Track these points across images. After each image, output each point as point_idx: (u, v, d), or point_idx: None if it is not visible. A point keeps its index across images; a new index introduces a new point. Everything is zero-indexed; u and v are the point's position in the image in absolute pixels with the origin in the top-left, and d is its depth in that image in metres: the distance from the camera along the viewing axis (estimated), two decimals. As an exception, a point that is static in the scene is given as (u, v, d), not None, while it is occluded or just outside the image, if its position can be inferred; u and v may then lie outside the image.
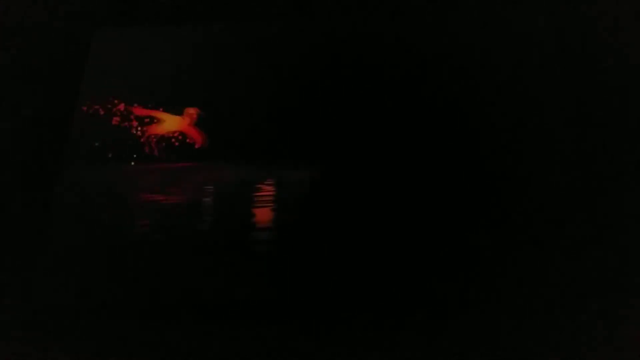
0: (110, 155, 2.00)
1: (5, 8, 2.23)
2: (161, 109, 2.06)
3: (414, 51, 2.04)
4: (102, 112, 2.05)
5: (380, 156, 1.91)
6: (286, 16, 2.18)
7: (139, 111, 2.04)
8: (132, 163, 1.99)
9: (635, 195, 1.77)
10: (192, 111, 2.03)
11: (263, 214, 1.86)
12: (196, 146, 2.01)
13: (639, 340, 1.56)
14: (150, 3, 2.22)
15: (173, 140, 2.02)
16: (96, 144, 2.01)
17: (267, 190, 1.92)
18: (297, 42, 2.12)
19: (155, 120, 2.04)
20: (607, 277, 1.65)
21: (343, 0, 2.18)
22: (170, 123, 2.03)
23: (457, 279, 1.69)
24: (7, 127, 2.03)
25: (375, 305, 1.69)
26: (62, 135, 2.00)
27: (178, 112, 2.05)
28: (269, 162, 1.95)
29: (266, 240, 1.80)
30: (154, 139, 2.01)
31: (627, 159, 1.82)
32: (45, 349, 1.65)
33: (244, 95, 2.05)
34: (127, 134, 2.03)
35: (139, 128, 2.03)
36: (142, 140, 2.02)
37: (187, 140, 2.02)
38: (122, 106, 2.06)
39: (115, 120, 2.04)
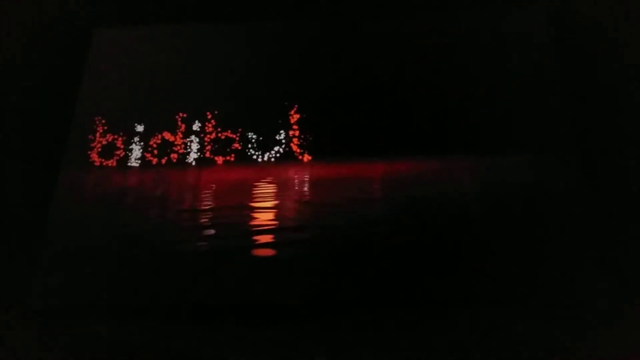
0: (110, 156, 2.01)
1: (5, 8, 2.23)
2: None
3: None
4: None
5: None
6: (287, 16, 2.17)
7: None
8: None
9: (635, 195, 1.77)
10: None
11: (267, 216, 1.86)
12: None
13: (639, 340, 1.56)
14: (150, 3, 2.22)
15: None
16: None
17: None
18: (299, 41, 2.13)
19: None
20: (607, 277, 1.65)
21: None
22: None
23: (457, 278, 1.69)
24: (7, 127, 2.03)
25: (375, 305, 1.69)
26: (63, 136, 2.00)
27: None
28: None
29: (262, 242, 1.80)
30: None
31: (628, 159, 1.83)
32: (46, 349, 1.65)
33: (247, 93, 2.06)
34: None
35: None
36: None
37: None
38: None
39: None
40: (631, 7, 2.05)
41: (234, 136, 2.01)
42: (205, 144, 2.01)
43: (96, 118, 2.05)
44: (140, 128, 2.04)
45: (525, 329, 1.60)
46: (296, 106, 2.02)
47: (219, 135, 2.02)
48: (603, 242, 1.69)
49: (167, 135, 2.02)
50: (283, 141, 1.99)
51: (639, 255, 1.68)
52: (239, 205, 1.88)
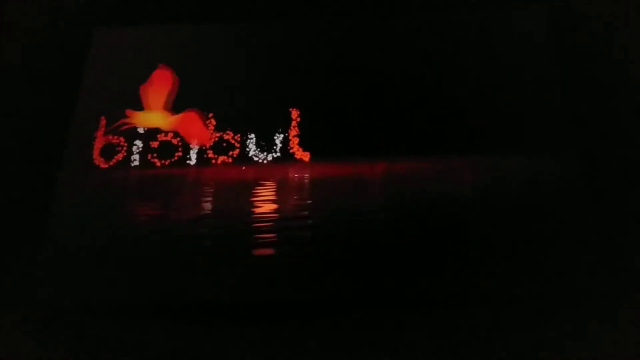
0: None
1: (5, 8, 2.23)
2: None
3: None
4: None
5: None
6: (287, 16, 2.18)
7: None
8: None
9: (635, 195, 1.77)
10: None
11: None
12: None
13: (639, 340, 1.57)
14: (150, 3, 2.22)
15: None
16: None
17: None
18: (299, 41, 2.13)
19: None
20: (607, 276, 1.65)
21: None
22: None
23: (456, 278, 1.69)
24: (7, 127, 2.03)
25: (375, 305, 1.70)
26: (62, 136, 2.00)
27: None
28: None
29: (262, 242, 1.80)
30: None
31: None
32: (46, 349, 1.65)
33: (247, 93, 2.06)
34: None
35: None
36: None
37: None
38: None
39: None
40: (631, 7, 2.05)
41: (234, 136, 2.01)
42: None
43: (97, 118, 2.04)
44: (140, 128, 2.03)
45: (525, 329, 1.60)
46: (296, 106, 2.02)
47: (219, 135, 2.01)
48: (603, 242, 1.70)
49: (167, 136, 2.02)
50: (283, 141, 1.99)
51: (639, 255, 1.68)
52: (240, 205, 1.88)
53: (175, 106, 2.06)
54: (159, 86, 2.06)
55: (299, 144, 1.98)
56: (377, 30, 2.12)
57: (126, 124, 2.02)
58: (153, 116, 2.02)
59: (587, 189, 1.78)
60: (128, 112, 2.03)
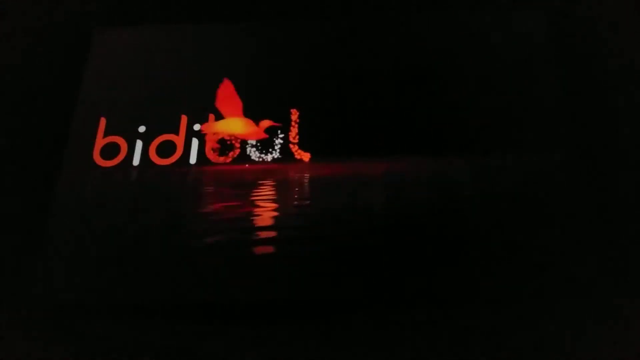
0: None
1: (5, 8, 2.23)
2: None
3: None
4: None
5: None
6: (287, 16, 2.18)
7: None
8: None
9: (634, 194, 1.78)
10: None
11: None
12: None
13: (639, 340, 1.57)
14: (150, 3, 2.22)
15: None
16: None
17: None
18: (299, 41, 2.13)
19: None
20: (607, 276, 1.65)
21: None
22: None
23: (457, 278, 1.69)
24: (8, 127, 2.03)
25: (376, 305, 1.70)
26: (63, 136, 2.00)
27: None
28: None
29: (263, 242, 1.80)
30: None
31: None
32: (45, 349, 1.65)
33: (247, 93, 2.06)
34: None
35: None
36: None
37: None
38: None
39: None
40: (631, 8, 2.06)
41: (234, 136, 2.01)
42: (205, 143, 2.01)
43: (97, 118, 2.04)
44: (141, 128, 2.03)
45: (525, 329, 1.60)
46: (296, 106, 2.02)
47: (219, 135, 2.02)
48: (603, 242, 1.70)
49: (168, 136, 2.02)
50: (283, 141, 1.99)
51: (639, 254, 1.68)
52: (240, 205, 1.88)
53: (176, 107, 2.06)
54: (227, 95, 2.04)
55: (299, 144, 1.98)
56: (377, 30, 2.12)
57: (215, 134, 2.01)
58: (233, 123, 2.01)
59: (587, 189, 1.78)
60: (209, 127, 2.01)
